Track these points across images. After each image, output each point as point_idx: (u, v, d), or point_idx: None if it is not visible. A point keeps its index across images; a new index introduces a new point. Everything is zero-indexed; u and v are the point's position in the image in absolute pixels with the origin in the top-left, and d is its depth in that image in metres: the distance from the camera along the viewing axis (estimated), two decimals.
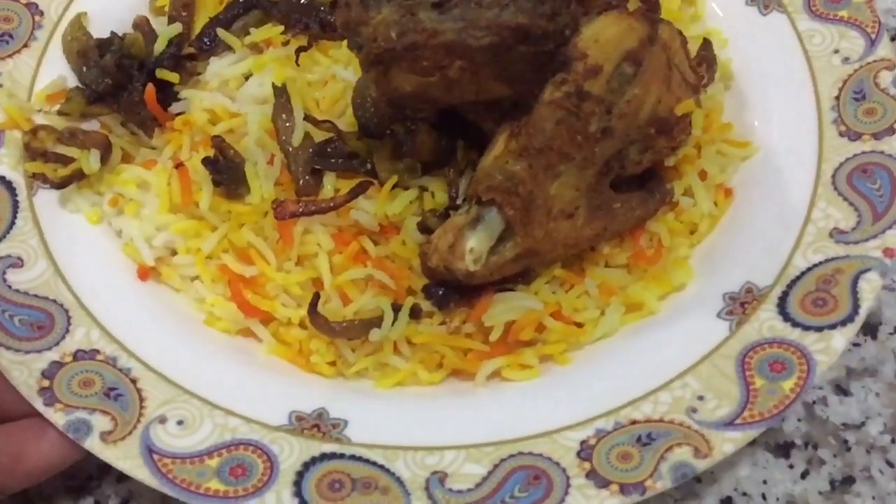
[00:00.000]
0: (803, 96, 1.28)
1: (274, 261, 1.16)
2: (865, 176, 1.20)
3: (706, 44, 1.31)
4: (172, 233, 1.19)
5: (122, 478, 1.07)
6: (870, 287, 1.10)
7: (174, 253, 1.20)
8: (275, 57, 1.23)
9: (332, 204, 1.14)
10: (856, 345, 1.22)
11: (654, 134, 1.11)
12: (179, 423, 1.05)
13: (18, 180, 1.22)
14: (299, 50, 1.21)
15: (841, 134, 1.24)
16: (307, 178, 1.17)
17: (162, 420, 1.05)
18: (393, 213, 1.14)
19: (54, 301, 1.13)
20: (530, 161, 1.07)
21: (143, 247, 1.18)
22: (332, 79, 1.22)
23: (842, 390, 1.19)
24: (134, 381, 1.08)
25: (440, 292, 1.13)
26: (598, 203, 1.13)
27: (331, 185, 1.17)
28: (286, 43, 1.24)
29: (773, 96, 1.30)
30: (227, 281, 1.16)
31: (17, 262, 1.15)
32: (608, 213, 1.15)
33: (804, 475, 1.14)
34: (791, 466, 1.14)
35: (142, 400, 1.06)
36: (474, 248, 1.09)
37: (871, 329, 1.23)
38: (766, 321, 1.11)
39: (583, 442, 1.04)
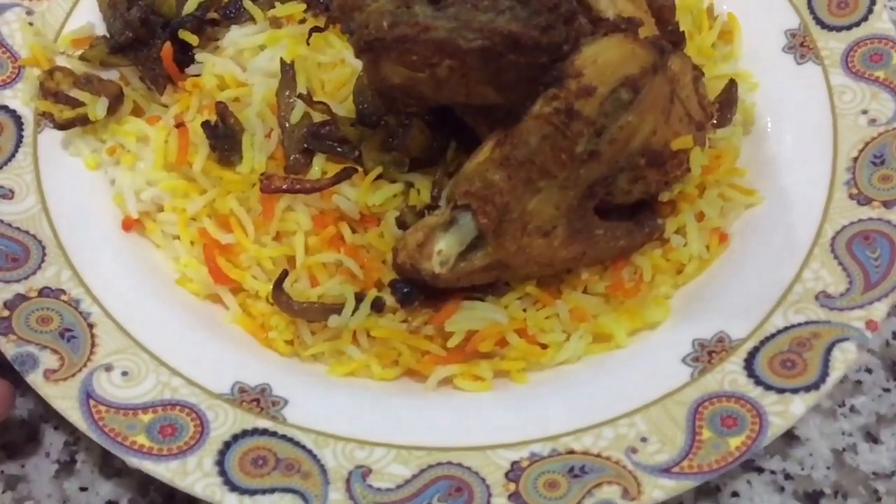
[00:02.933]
0: (821, 152, 1.24)
1: (252, 232, 1.17)
2: (866, 243, 1.15)
3: (731, 84, 1.28)
4: (161, 189, 1.21)
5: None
6: (843, 357, 1.06)
7: (161, 209, 1.22)
8: (290, 33, 1.24)
9: (316, 185, 1.15)
10: (886, 390, 1.17)
11: (644, 165, 1.09)
12: (124, 374, 1.06)
13: (28, 116, 1.25)
14: (313, 30, 1.21)
15: (851, 196, 1.19)
16: (297, 156, 1.17)
17: (108, 368, 1.06)
18: (373, 203, 1.14)
19: (34, 236, 1.16)
20: (510, 172, 1.05)
21: (130, 198, 1.20)
22: (340, 63, 1.22)
23: (872, 437, 1.13)
24: (91, 326, 1.10)
25: (405, 289, 1.12)
26: (578, 226, 1.11)
27: (319, 166, 1.17)
28: (303, 21, 1.25)
29: (791, 148, 1.26)
30: (202, 244, 1.17)
31: (8, 194, 1.19)
32: (589, 239, 1.13)
33: None
34: None
35: (93, 346, 1.08)
36: (443, 250, 1.08)
37: None
38: (729, 374, 1.07)
39: (514, 463, 1.02)
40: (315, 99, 1.18)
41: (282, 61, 1.20)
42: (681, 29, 1.25)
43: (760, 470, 1.11)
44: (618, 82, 1.04)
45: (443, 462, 1.02)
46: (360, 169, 1.15)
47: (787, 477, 1.11)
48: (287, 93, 1.20)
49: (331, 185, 1.14)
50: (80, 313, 1.10)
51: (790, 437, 1.13)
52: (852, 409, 1.16)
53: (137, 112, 1.29)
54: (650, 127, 1.07)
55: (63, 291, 1.12)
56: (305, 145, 1.17)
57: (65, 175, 1.22)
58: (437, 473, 1.01)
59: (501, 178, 1.06)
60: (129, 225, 1.21)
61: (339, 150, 1.16)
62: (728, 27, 1.37)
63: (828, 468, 1.12)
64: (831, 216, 1.18)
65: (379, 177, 1.15)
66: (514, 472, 1.01)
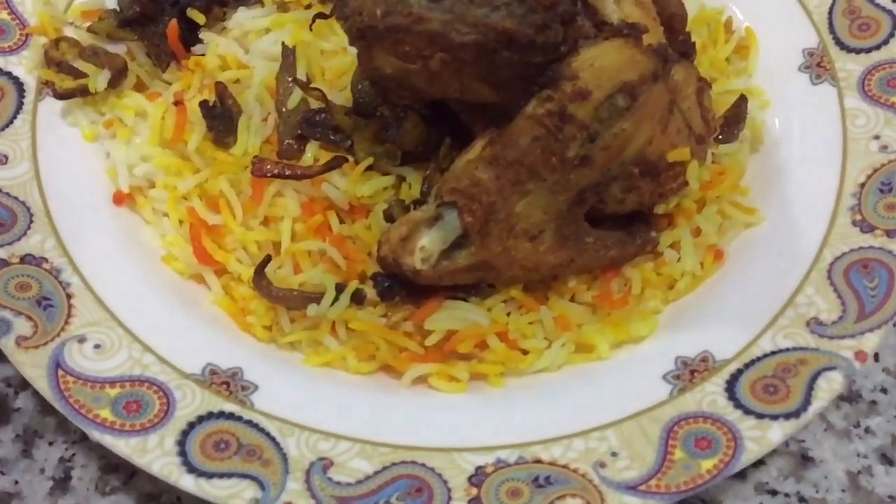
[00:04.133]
0: (828, 176, 1.21)
1: (240, 215, 1.16)
2: (865, 272, 1.11)
3: (741, 100, 1.25)
4: (154, 166, 1.20)
5: None
6: (828, 387, 1.02)
7: (153, 186, 1.21)
8: (296, 18, 1.23)
9: (306, 172, 1.13)
10: None
11: (637, 174, 1.06)
12: (97, 346, 1.06)
13: (30, 84, 1.26)
14: (317, 16, 1.20)
15: (854, 223, 1.16)
16: (291, 142, 1.16)
17: (81, 340, 1.06)
18: (362, 194, 1.13)
19: (23, 203, 1.16)
20: (499, 172, 1.03)
21: (122, 172, 1.20)
22: (343, 51, 1.21)
23: (888, 460, 1.10)
24: (69, 297, 1.09)
25: (387, 283, 1.10)
26: (567, 232, 1.09)
27: (312, 153, 1.16)
28: (309, 6, 1.24)
29: (798, 169, 1.23)
30: (189, 224, 1.17)
31: (2, 159, 1.19)
32: (577, 246, 1.10)
33: None
34: None
35: (69, 316, 1.08)
36: (426, 246, 1.07)
37: None
38: (709, 394, 1.04)
39: (479, 468, 1.00)
40: (314, 86, 1.17)
41: (283, 45, 1.20)
42: (693, 40, 1.22)
43: (774, 493, 1.08)
44: (614, 88, 1.02)
45: (407, 461, 1.00)
46: (351, 158, 1.13)
47: (802, 500, 1.07)
48: (286, 77, 1.19)
49: (321, 173, 1.13)
50: (60, 283, 1.10)
51: (804, 459, 1.10)
52: (867, 430, 1.12)
53: (140, 87, 1.29)
54: (646, 136, 1.04)
55: (45, 260, 1.12)
56: (300, 132, 1.16)
57: (61, 145, 1.23)
58: (400, 472, 0.99)
59: (489, 178, 1.04)
60: (120, 199, 1.21)
61: (332, 138, 1.15)
62: (745, 42, 1.34)
63: (843, 491, 1.08)
64: (832, 241, 1.15)
65: (371, 168, 1.14)
66: (477, 477, 0.99)
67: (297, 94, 1.17)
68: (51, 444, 1.09)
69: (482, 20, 0.96)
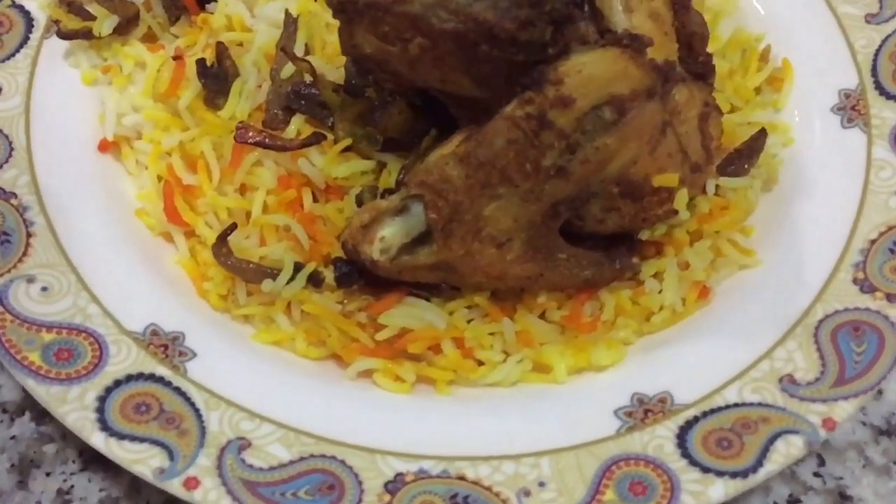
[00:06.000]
0: (838, 227, 1.12)
1: (217, 179, 1.14)
2: (855, 335, 1.03)
3: (760, 134, 1.17)
4: (144, 118, 1.18)
5: None
6: (785, 451, 0.95)
7: (140, 137, 1.19)
8: None
9: (285, 144, 1.10)
10: None
11: (617, 194, 1.00)
12: (44, 289, 1.05)
13: (41, 21, 1.25)
14: None
15: (855, 281, 1.07)
16: (278, 111, 1.13)
17: (30, 280, 1.05)
18: (337, 175, 1.09)
19: (6, 136, 1.15)
20: (469, 171, 0.98)
21: (110, 119, 1.19)
22: None
23: None
24: (29, 235, 1.08)
25: (345, 270, 1.06)
26: (538, 245, 1.03)
27: (297, 126, 1.13)
28: None
29: (809, 215, 1.15)
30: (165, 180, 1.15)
31: None
32: (549, 261, 1.04)
33: None
34: None
35: (24, 255, 1.07)
36: (385, 237, 1.02)
37: None
38: (658, 438, 0.98)
39: (399, 474, 0.95)
40: (304, 57, 1.14)
41: (287, 13, 1.16)
42: (713, 62, 1.14)
43: None
44: (602, 99, 0.95)
45: (327, 455, 0.96)
46: (331, 137, 1.10)
47: None
48: (287, 46, 1.16)
49: (299, 148, 1.10)
50: (24, 220, 1.09)
51: (842, 498, 1.03)
52: None
53: (152, 39, 1.28)
54: (630, 155, 0.98)
55: (15, 195, 1.11)
56: (287, 103, 1.13)
57: (58, 85, 1.22)
58: (316, 465, 0.95)
59: (459, 175, 0.99)
60: (105, 146, 1.19)
61: (317, 113, 1.12)
62: (780, 73, 1.26)
63: None
64: (827, 297, 1.07)
65: (351, 150, 1.10)
66: (394, 484, 0.94)
67: (292, 65, 1.14)
68: (48, 474, 1.02)
69: (464, 9, 0.91)
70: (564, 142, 0.96)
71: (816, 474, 1.04)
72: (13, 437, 1.04)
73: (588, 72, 0.95)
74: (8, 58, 1.21)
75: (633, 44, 0.98)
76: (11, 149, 1.14)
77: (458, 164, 0.99)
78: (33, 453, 1.03)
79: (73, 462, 1.03)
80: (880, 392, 1.08)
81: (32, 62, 1.22)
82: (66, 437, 1.03)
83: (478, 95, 0.99)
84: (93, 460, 1.02)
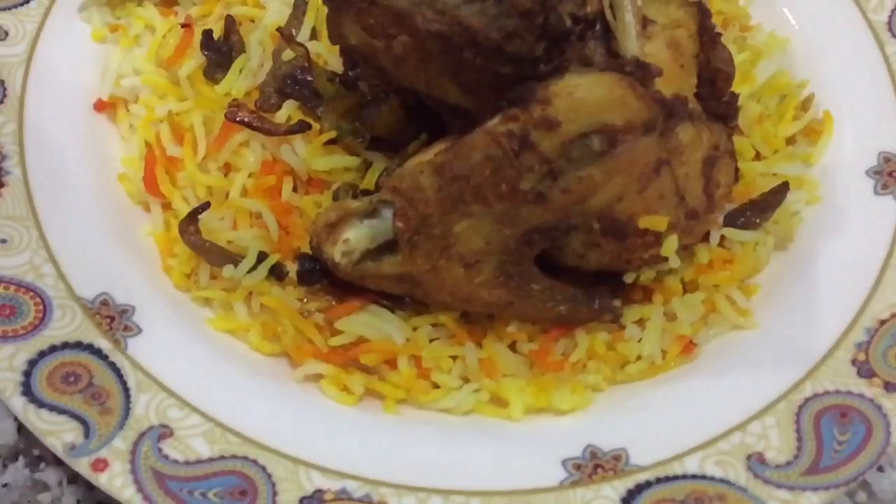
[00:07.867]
0: (849, 300, 1.03)
1: (202, 154, 1.10)
2: (841, 421, 0.94)
3: (781, 188, 1.09)
4: (143, 82, 1.15)
5: None
6: None
7: (136, 101, 1.16)
8: None
9: (272, 128, 1.06)
10: None
11: (598, 230, 0.92)
12: (3, 241, 1.02)
13: None
14: None
15: (854, 362, 0.98)
16: (272, 94, 1.09)
17: None
18: (317, 167, 1.04)
19: (2, 82, 1.13)
20: (442, 183, 0.92)
21: (108, 79, 1.16)
22: None
23: None
24: (1, 185, 1.06)
25: (308, 266, 1.02)
26: (511, 272, 0.96)
27: (288, 111, 1.08)
28: None
29: (819, 283, 1.05)
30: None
31: (1, 35, 1.17)
32: (521, 290, 0.98)
33: None
34: None
35: None
36: (350, 239, 0.97)
37: None
38: (601, 498, 0.90)
39: (319, 491, 0.90)
40: (317, 44, 1.09)
41: None
42: (739, 104, 1.05)
43: None
44: (591, 127, 0.88)
45: (249, 457, 0.91)
46: (316, 127, 1.05)
47: None
48: (292, 27, 1.11)
49: (283, 134, 1.05)
50: (0, 169, 1.07)
51: None
52: None
53: (170, 2, 1.24)
54: (616, 191, 0.91)
55: None
56: (282, 86, 1.08)
57: (66, 38, 1.19)
58: (234, 467, 0.91)
59: (431, 186, 0.93)
60: (101, 106, 1.17)
61: (308, 100, 1.07)
62: (819, 126, 1.16)
63: None
64: (819, 374, 0.98)
65: (338, 144, 1.05)
66: (311, 500, 0.89)
67: None
68: None
69: (451, 10, 0.85)
70: (546, 166, 0.89)
71: None
72: (6, 485, 0.97)
73: (580, 95, 0.88)
74: (20, 4, 1.19)
75: (637, 72, 0.90)
76: (5, 95, 1.12)
77: (432, 174, 0.93)
78: (27, 502, 0.96)
79: None
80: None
81: (45, 12, 1.20)
82: (63, 484, 0.97)
83: (464, 104, 0.93)
84: None
